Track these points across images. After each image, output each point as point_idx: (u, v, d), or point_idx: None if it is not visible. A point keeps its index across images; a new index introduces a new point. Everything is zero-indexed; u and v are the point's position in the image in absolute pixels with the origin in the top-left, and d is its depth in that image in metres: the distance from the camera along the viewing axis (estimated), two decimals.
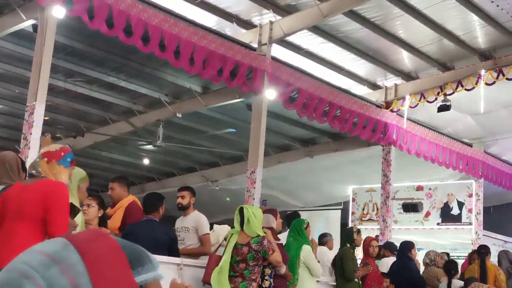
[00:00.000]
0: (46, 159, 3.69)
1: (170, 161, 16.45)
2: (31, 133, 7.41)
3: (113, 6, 7.62)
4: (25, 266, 0.85)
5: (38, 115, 7.49)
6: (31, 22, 8.17)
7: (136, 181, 17.74)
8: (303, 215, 15.32)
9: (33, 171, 3.69)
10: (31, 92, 7.67)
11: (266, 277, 5.95)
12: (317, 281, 7.15)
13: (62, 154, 3.75)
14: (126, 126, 13.21)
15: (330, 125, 11.17)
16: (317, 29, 10.03)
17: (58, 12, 7.44)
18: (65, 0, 7.31)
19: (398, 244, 8.64)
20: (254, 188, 9.53)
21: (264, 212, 6.21)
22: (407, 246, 8.15)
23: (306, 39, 10.39)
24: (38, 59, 7.67)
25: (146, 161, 16.15)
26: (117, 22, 7.70)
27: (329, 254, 7.94)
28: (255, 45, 9.86)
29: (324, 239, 8.25)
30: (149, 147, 13.90)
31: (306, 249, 6.83)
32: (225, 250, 5.78)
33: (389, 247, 9.09)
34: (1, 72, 10.97)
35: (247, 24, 10.00)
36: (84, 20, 7.54)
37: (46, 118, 8.39)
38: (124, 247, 0.93)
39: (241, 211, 5.85)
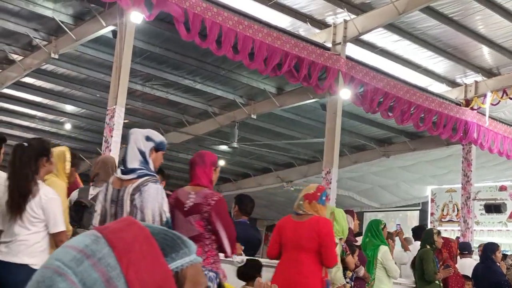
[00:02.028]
0: (307, 200, 4.54)
1: (245, 162, 16.58)
2: (111, 136, 7.64)
3: (188, 11, 7.75)
4: (58, 263, 0.86)
5: (118, 118, 7.71)
6: (110, 28, 8.44)
7: None
8: (380, 215, 15.13)
9: (300, 211, 4.53)
10: (112, 96, 7.91)
11: (347, 280, 5.88)
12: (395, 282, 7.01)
13: (318, 194, 4.58)
14: (202, 127, 13.41)
15: (405, 123, 10.93)
16: (392, 27, 9.84)
17: (136, 18, 7.64)
18: (143, 5, 7.49)
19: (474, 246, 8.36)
20: (330, 188, 9.45)
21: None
22: (492, 248, 7.86)
23: (381, 37, 10.22)
24: (118, 64, 7.90)
25: (221, 162, 16.34)
26: (193, 26, 7.82)
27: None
28: (329, 45, 9.79)
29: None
30: (225, 148, 14.07)
31: (383, 250, 6.76)
32: None
33: (461, 247, 8.77)
34: (83, 77, 11.39)
35: (321, 24, 9.94)
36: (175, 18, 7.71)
37: (126, 121, 8.63)
38: (155, 234, 0.92)
39: None
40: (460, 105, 11.63)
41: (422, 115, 10.85)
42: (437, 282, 7.04)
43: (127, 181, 3.52)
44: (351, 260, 5.72)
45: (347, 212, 6.53)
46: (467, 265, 8.02)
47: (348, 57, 9.87)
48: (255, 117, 12.19)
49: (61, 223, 3.67)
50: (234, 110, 12.46)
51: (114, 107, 7.74)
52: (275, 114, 12.52)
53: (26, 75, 10.78)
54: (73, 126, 14.29)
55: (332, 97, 9.86)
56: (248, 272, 4.90)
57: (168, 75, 11.01)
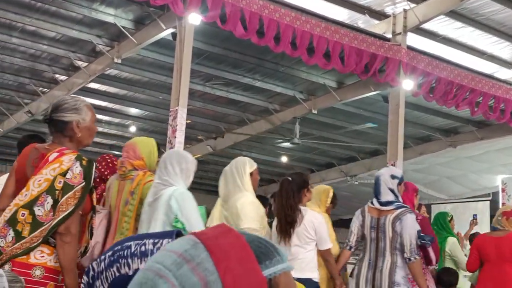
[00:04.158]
0: (505, 217, 5.46)
1: (308, 158, 16.52)
2: (175, 137, 7.76)
3: (245, 9, 7.78)
4: (159, 266, 0.89)
5: (180, 119, 7.83)
6: (170, 30, 8.57)
7: (276, 178, 18.01)
8: (448, 207, 14.79)
9: (498, 226, 5.46)
10: (174, 97, 8.05)
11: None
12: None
13: None
14: (264, 125, 13.45)
15: (473, 113, 10.61)
16: (454, 14, 9.57)
17: (194, 19, 7.73)
18: (200, 7, 7.57)
19: None
20: None
21: None
22: None
23: (443, 25, 9.95)
24: (179, 66, 8.02)
25: (284, 159, 16.34)
26: (250, 24, 7.85)
27: None
28: (389, 36, 9.61)
29: None
30: (287, 144, 14.06)
31: (451, 241, 6.72)
32: None
33: None
34: (145, 80, 11.62)
35: (380, 15, 9.78)
36: (221, 26, 7.77)
37: (188, 121, 8.76)
38: (250, 241, 0.94)
39: None
40: None
41: (491, 103, 10.51)
42: None
43: (386, 212, 4.40)
44: None
45: None
46: None
47: (409, 47, 9.67)
48: (316, 112, 12.13)
49: (328, 242, 4.51)
50: (295, 106, 12.43)
51: (177, 108, 7.86)
52: (336, 108, 12.41)
53: (91, 81, 11.09)
54: (137, 129, 14.60)
55: (394, 88, 9.69)
56: (450, 280, 5.73)
57: (228, 74, 11.10)
